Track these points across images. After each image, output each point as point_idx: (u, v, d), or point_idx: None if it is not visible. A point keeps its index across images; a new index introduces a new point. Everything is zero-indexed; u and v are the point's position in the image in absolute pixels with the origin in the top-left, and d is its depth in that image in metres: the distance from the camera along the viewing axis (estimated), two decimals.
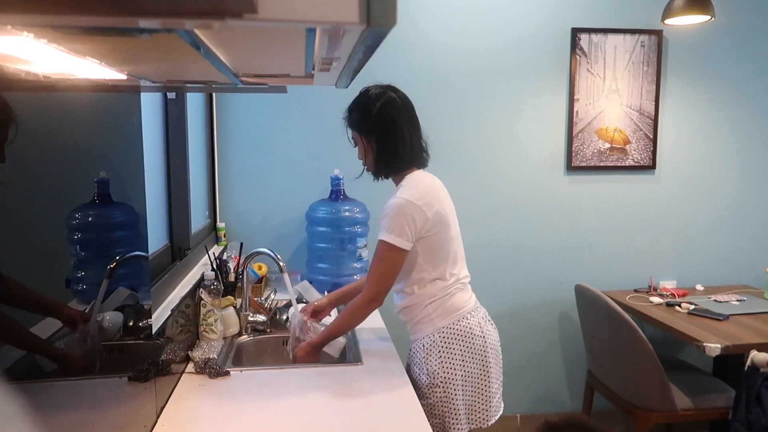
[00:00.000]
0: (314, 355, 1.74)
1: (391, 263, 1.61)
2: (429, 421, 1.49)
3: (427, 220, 1.60)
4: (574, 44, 2.87)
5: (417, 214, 1.58)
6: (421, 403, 1.51)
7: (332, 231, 2.53)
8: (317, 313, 1.90)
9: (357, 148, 1.73)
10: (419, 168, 1.71)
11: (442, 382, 1.63)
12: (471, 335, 1.67)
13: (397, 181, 1.70)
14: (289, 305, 2.09)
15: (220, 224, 2.70)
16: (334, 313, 2.00)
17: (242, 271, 2.09)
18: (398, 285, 1.72)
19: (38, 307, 0.86)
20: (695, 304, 2.64)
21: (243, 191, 2.77)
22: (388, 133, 1.65)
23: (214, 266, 2.04)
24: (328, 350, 1.79)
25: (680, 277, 3.06)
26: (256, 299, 2.16)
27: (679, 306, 2.65)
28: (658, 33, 2.90)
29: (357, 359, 1.74)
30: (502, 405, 1.78)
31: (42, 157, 0.85)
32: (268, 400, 1.48)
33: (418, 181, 1.66)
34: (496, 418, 1.73)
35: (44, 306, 0.88)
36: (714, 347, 2.17)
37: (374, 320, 2.11)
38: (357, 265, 2.52)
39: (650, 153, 2.98)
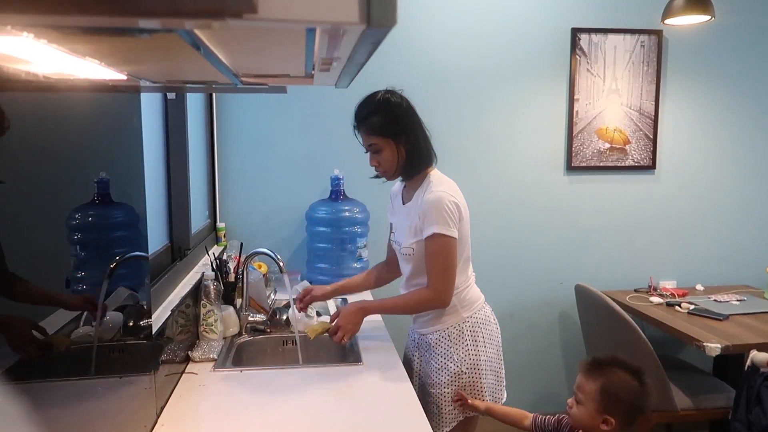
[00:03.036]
0: (357, 321, 1.74)
1: (450, 254, 1.65)
2: (453, 405, 1.71)
3: (460, 213, 1.68)
4: (574, 44, 2.87)
5: (454, 207, 1.65)
6: (444, 392, 1.71)
7: (332, 231, 2.53)
8: (310, 296, 1.91)
9: (377, 154, 1.68)
10: (433, 166, 1.76)
11: (468, 368, 1.72)
12: (488, 323, 1.78)
13: (419, 180, 1.72)
14: (289, 305, 2.09)
15: (220, 224, 2.70)
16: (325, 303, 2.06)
17: (242, 271, 2.09)
18: (419, 280, 1.73)
19: (44, 302, 0.87)
20: (695, 304, 2.64)
21: (243, 191, 2.77)
22: (417, 134, 1.69)
23: (214, 266, 2.04)
24: (300, 327, 1.89)
25: (680, 277, 3.06)
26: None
27: (679, 306, 2.64)
28: (658, 33, 2.90)
29: (357, 359, 1.74)
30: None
31: (42, 157, 0.85)
32: (268, 400, 1.48)
33: (443, 178, 1.73)
34: (505, 395, 1.85)
35: (49, 300, 0.89)
36: (714, 347, 2.17)
37: (374, 320, 2.11)
38: (357, 265, 2.52)
39: (650, 153, 2.98)
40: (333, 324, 1.75)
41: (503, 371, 1.84)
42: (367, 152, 1.71)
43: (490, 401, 1.75)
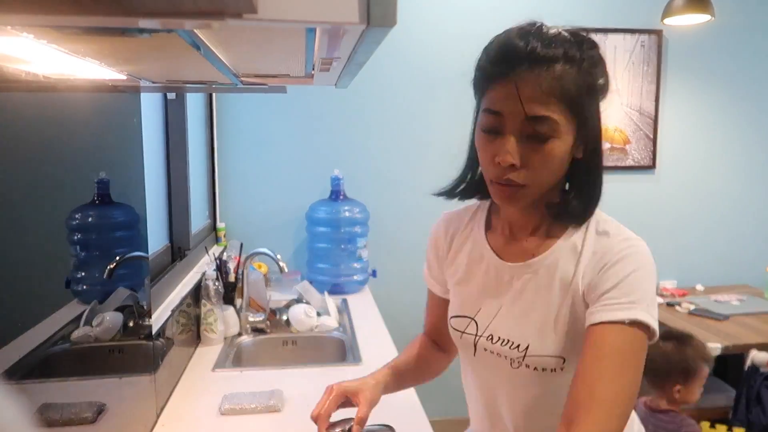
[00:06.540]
0: None
1: (640, 366, 0.80)
2: None
3: None
4: None
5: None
6: None
7: (332, 231, 2.53)
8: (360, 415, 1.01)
9: (539, 142, 0.82)
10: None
11: None
12: None
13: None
14: (289, 305, 2.09)
15: (220, 224, 2.70)
16: None
17: (242, 271, 2.09)
18: (552, 407, 0.88)
19: None
20: (695, 304, 2.64)
21: (243, 191, 2.76)
22: (599, 136, 0.89)
23: (215, 266, 2.04)
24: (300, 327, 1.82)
25: (680, 277, 3.06)
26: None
27: (679, 306, 2.65)
28: (658, 33, 2.90)
29: (357, 359, 1.74)
30: None
31: (42, 157, 0.85)
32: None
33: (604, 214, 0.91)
34: None
35: None
36: (714, 347, 2.17)
37: (374, 320, 2.11)
38: (357, 265, 2.52)
39: (650, 153, 2.98)
40: None
41: None
42: (489, 133, 0.85)
43: None
